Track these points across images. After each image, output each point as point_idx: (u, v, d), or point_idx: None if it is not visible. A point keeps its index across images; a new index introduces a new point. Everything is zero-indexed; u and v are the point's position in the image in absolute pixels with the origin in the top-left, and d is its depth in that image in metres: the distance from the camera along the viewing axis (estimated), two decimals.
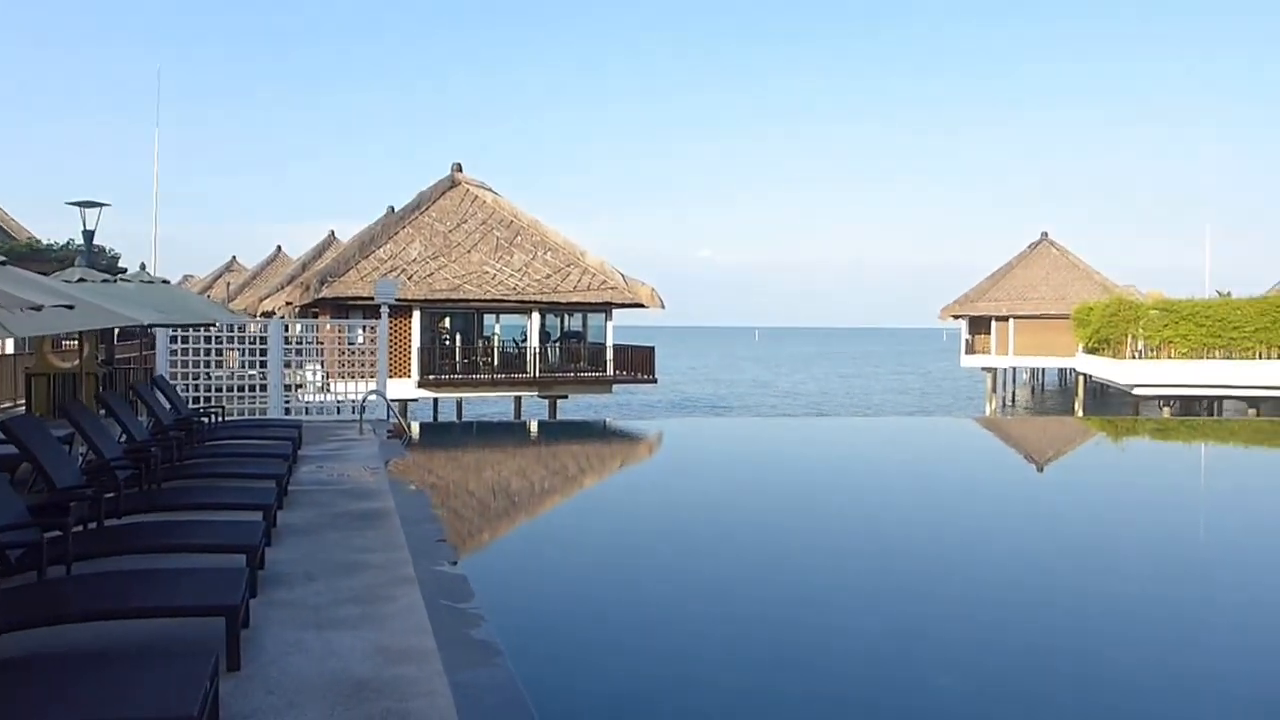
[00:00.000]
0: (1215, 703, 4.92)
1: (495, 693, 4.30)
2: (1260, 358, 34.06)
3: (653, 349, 30.98)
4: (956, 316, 50.61)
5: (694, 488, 11.26)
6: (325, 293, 28.05)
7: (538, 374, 29.86)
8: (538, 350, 30.26)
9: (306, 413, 15.19)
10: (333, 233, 47.12)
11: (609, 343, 31.42)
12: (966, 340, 50.59)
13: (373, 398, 14.30)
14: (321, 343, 19.33)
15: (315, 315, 28.52)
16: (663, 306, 32.17)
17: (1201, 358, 34.75)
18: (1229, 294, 39.82)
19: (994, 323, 48.92)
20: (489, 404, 39.16)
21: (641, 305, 31.83)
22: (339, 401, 15.57)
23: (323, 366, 18.11)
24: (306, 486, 8.87)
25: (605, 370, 30.90)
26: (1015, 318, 48.19)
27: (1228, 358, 34.40)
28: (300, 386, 17.30)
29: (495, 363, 30.07)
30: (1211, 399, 36.19)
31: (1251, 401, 34.97)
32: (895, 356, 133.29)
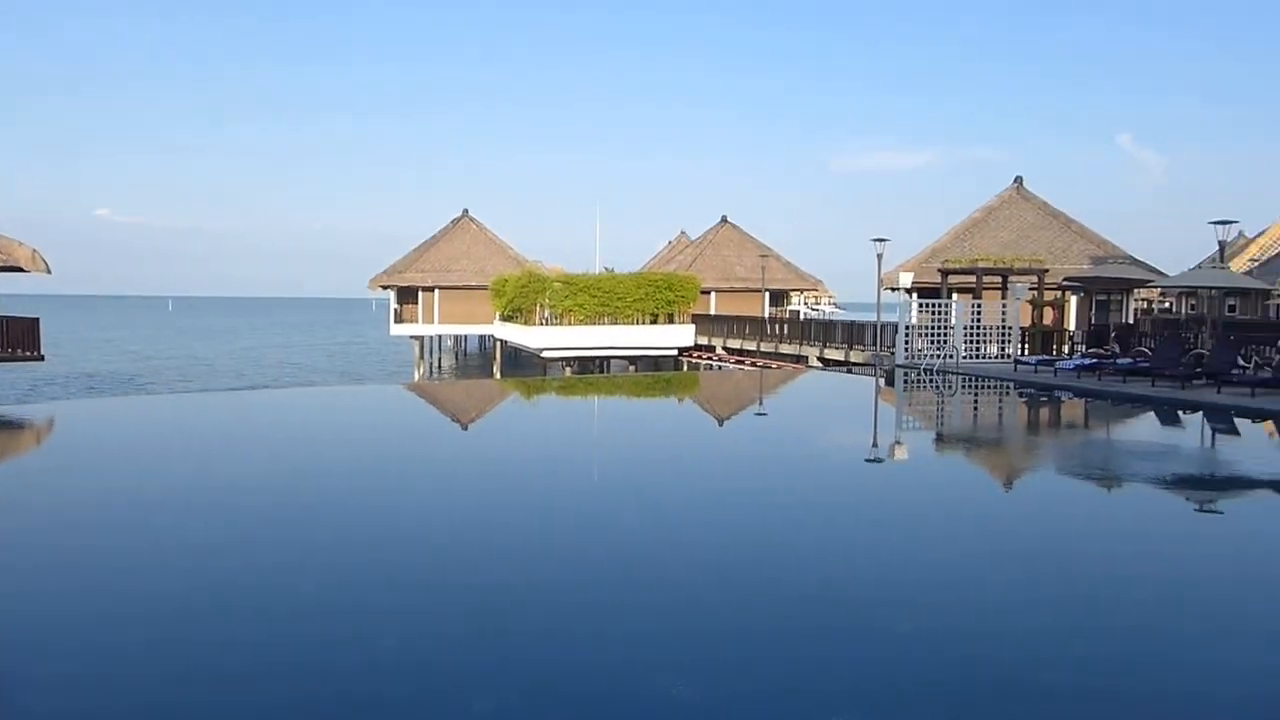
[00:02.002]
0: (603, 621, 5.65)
1: None
2: (637, 323, 40.79)
3: (36, 320, 27.13)
4: (385, 286, 52.11)
5: (102, 479, 9.85)
6: None
7: None
8: None
9: None
10: None
11: None
12: (395, 310, 52.38)
13: None
14: None
15: None
16: (48, 271, 28.21)
17: (594, 324, 40.51)
18: (612, 270, 46.85)
19: (421, 293, 51.34)
20: None
21: (20, 269, 27.66)
22: None
23: None
24: None
25: None
26: (440, 288, 51.10)
27: (614, 323, 40.57)
28: None
29: None
30: (602, 359, 42.29)
31: (631, 359, 41.76)
32: (330, 326, 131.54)
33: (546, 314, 40.92)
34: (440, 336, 57.26)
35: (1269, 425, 14.98)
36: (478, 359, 63.38)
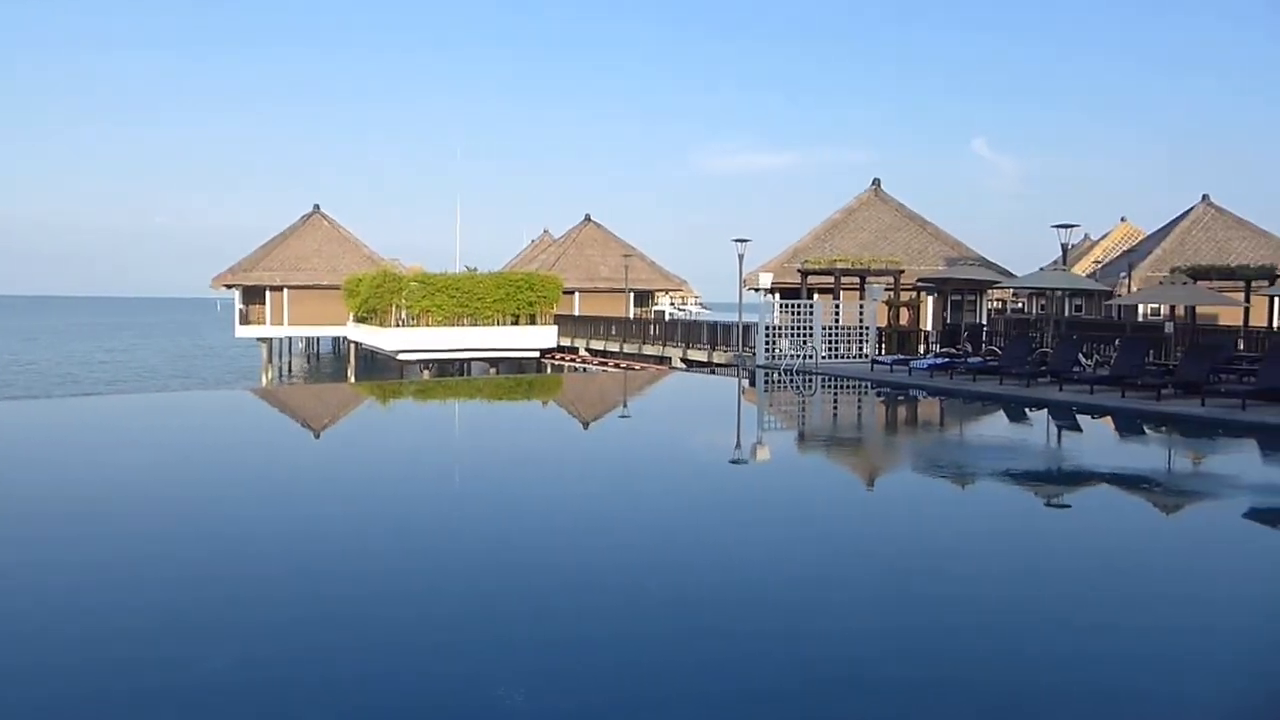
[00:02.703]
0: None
1: None
2: (498, 324, 39.78)
3: None
4: (230, 285, 49.30)
5: None
6: None
7: None
8: None
9: None
10: None
11: None
12: (241, 310, 49.59)
13: None
14: None
15: None
16: None
17: (453, 325, 39.30)
18: (475, 269, 45.55)
19: (268, 292, 48.75)
20: None
21: None
22: None
23: None
24: None
25: None
26: (289, 288, 48.66)
27: (474, 325, 39.46)
28: None
29: None
30: (462, 361, 41.12)
31: (492, 362, 40.69)
32: (171, 328, 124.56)
33: (403, 315, 39.44)
34: (290, 339, 54.54)
35: (1106, 420, 15.53)
36: (331, 362, 60.80)
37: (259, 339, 50.35)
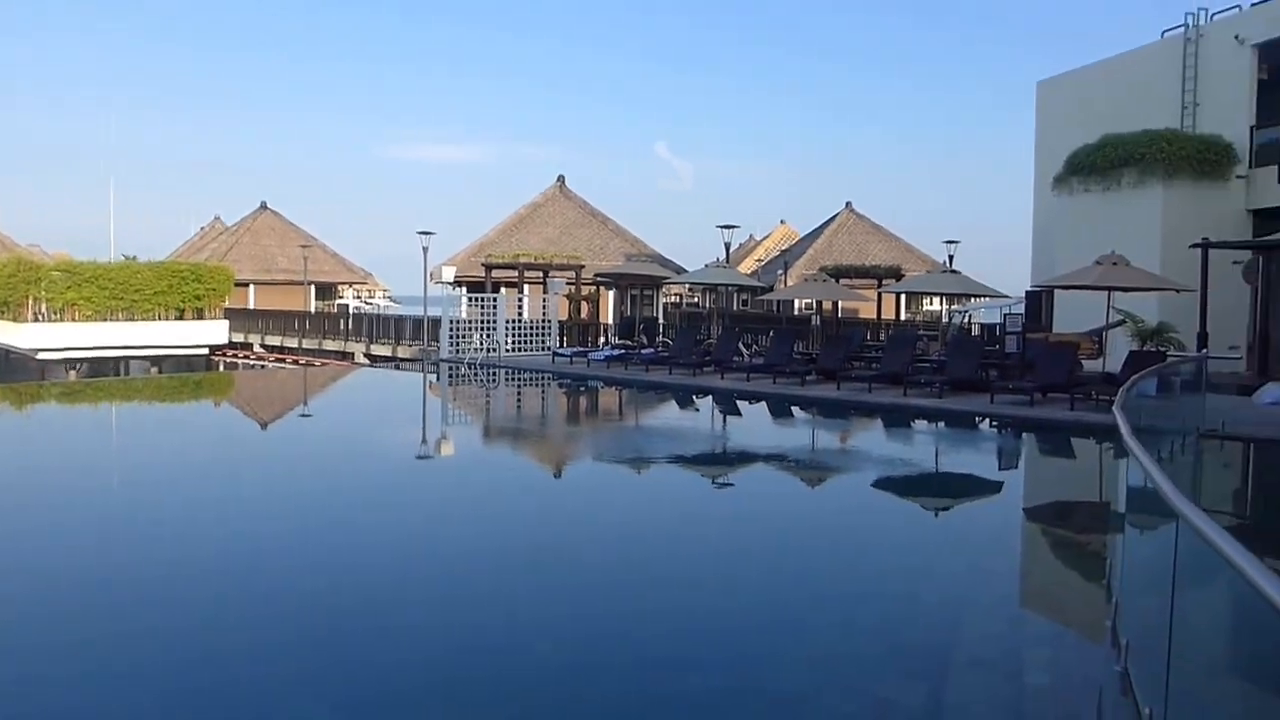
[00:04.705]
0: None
1: None
2: (160, 319, 36.46)
3: None
4: None
5: None
6: None
7: None
8: None
9: None
10: None
11: None
12: None
13: None
14: None
15: None
16: None
17: (106, 320, 35.50)
18: (135, 258, 41.34)
19: None
20: None
21: None
22: None
23: None
24: None
25: None
26: None
27: (131, 320, 35.88)
28: None
29: None
30: (118, 360, 37.26)
31: (154, 360, 37.22)
32: None
33: (43, 308, 35.11)
34: None
35: (759, 405, 17.21)
36: None
37: None
